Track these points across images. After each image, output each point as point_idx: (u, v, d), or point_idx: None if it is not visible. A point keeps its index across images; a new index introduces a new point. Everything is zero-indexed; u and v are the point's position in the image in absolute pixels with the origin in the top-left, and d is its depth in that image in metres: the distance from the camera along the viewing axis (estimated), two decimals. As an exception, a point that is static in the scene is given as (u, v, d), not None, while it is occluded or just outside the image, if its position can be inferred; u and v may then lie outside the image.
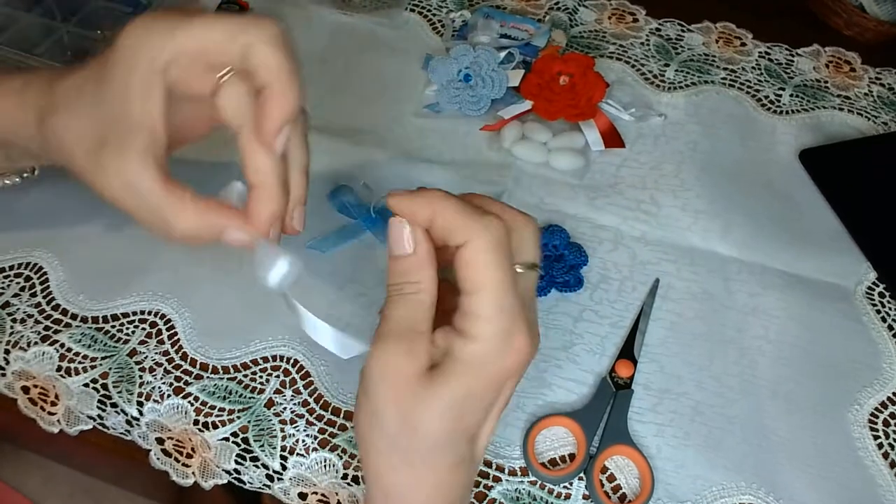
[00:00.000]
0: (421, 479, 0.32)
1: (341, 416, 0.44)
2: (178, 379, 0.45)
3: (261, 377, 0.45)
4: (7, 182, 0.46)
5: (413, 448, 0.31)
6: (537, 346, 0.33)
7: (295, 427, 0.44)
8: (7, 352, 0.46)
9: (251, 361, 0.46)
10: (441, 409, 0.30)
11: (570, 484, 0.42)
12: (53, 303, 0.48)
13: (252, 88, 0.34)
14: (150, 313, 0.47)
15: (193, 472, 0.45)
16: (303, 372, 0.46)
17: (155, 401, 0.44)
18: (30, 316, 0.47)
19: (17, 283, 0.48)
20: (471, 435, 0.32)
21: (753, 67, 0.66)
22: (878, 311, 0.50)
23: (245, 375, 0.45)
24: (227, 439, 0.43)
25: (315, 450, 0.43)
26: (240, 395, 0.45)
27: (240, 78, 0.34)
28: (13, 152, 0.42)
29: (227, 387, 0.45)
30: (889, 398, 0.46)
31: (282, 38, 0.33)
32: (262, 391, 0.45)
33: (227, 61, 0.34)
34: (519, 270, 0.33)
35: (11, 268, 0.49)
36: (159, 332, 0.47)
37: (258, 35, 0.33)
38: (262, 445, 0.43)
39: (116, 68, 0.33)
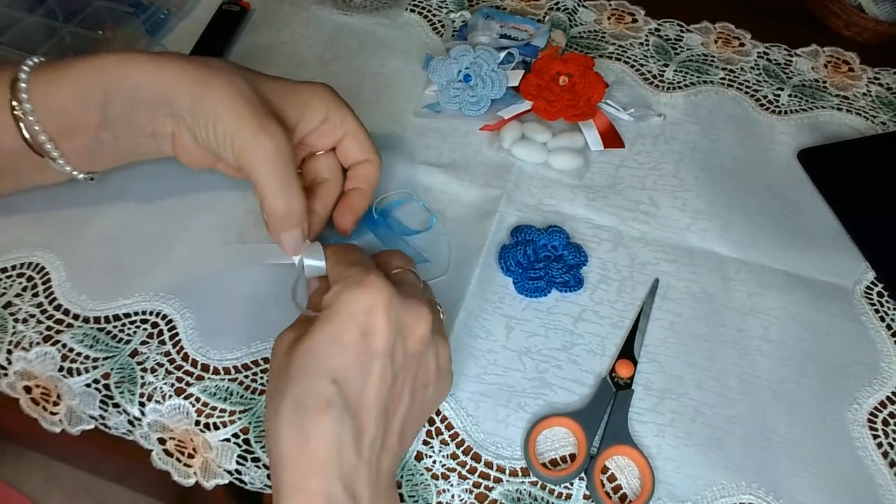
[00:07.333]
0: (290, 426, 0.34)
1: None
2: (179, 380, 0.45)
3: (261, 377, 0.45)
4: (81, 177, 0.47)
5: (285, 388, 0.35)
6: (429, 319, 0.37)
7: (296, 427, 0.44)
8: (9, 352, 0.46)
9: (252, 363, 0.46)
10: (307, 348, 0.35)
11: (571, 484, 0.43)
12: (55, 303, 0.48)
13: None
14: (151, 314, 0.48)
15: (195, 472, 0.46)
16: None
17: (157, 401, 0.44)
18: (32, 316, 0.47)
19: (20, 283, 0.49)
20: (338, 377, 0.35)
21: (752, 67, 0.66)
22: (877, 311, 0.51)
23: (246, 376, 0.45)
24: (228, 440, 0.44)
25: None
26: (241, 396, 0.45)
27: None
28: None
29: (227, 388, 0.45)
30: (888, 397, 0.47)
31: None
32: (262, 392, 0.45)
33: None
34: (395, 271, 0.42)
35: (14, 268, 0.49)
36: (161, 333, 0.47)
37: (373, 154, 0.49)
38: (264, 446, 0.43)
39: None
